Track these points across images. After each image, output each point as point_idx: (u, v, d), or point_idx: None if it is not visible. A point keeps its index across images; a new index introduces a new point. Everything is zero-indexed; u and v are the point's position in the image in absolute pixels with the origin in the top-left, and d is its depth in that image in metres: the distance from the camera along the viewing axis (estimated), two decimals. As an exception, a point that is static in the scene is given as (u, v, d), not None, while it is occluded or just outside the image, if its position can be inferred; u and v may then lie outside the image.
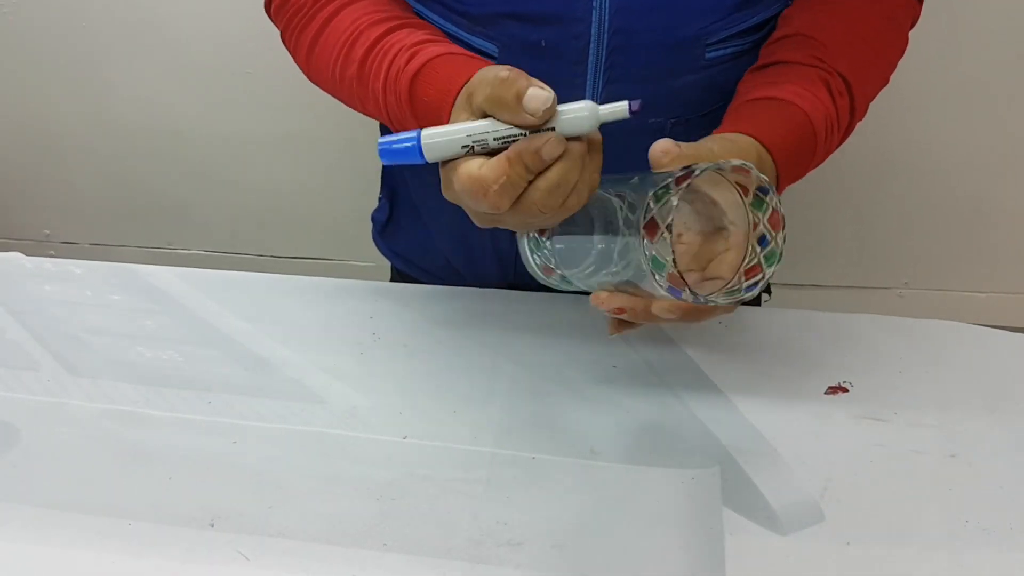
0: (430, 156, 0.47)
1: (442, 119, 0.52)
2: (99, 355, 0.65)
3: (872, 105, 0.64)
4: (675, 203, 0.44)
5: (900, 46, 0.64)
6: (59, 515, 0.52)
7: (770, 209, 0.47)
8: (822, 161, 0.60)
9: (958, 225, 1.60)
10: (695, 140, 0.65)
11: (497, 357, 0.65)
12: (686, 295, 0.45)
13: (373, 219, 0.84)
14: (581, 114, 0.45)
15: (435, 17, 0.63)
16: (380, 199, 0.83)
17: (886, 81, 0.64)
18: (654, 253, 0.44)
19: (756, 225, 0.48)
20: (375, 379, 0.63)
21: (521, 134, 0.46)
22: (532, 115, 0.44)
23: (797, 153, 0.56)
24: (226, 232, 1.74)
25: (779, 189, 0.56)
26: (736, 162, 0.45)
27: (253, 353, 0.66)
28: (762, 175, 0.46)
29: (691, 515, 0.52)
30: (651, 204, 0.44)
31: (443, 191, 0.50)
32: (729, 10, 0.60)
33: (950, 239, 1.61)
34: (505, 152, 0.45)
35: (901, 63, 0.65)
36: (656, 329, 0.67)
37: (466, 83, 0.50)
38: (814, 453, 0.56)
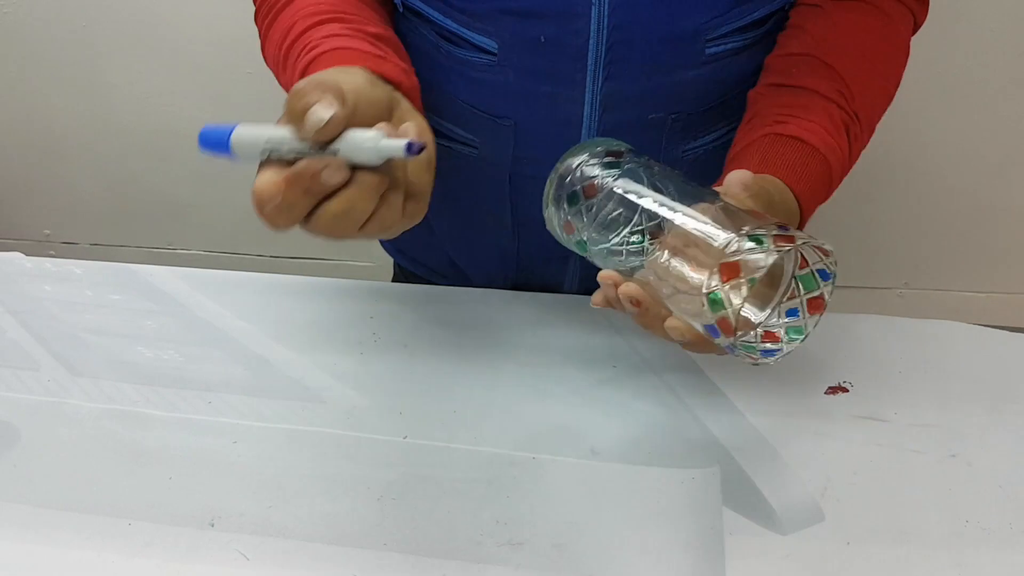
0: (237, 152, 0.44)
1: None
2: (99, 355, 0.65)
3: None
4: (769, 262, 0.42)
5: (903, 64, 0.64)
6: (59, 515, 0.52)
7: (818, 292, 0.47)
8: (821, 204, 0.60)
9: (958, 225, 1.60)
10: (694, 136, 0.66)
11: (497, 357, 0.65)
12: (722, 339, 0.44)
13: None
14: (365, 150, 0.42)
15: (434, 14, 0.63)
16: None
17: (890, 103, 0.64)
18: (719, 293, 0.43)
19: (794, 295, 0.47)
20: (375, 379, 0.63)
21: (310, 152, 0.42)
22: (307, 133, 0.42)
23: (816, 201, 0.57)
24: (226, 232, 1.74)
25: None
26: (827, 245, 0.45)
27: (253, 353, 0.66)
28: (834, 264, 0.46)
29: (691, 515, 0.52)
30: (736, 244, 0.43)
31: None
32: (728, 5, 0.60)
33: (950, 239, 1.62)
34: (289, 170, 0.42)
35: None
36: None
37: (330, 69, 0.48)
38: (814, 453, 0.56)
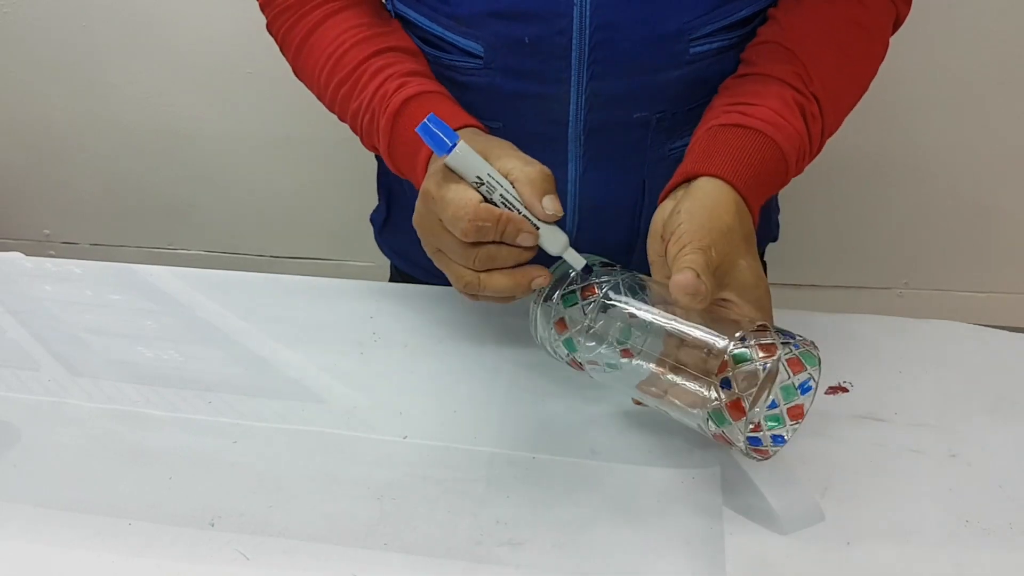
0: (451, 162, 0.52)
1: (419, 151, 0.59)
2: (99, 355, 0.65)
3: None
4: (761, 377, 0.47)
5: (880, 53, 0.64)
6: (59, 515, 0.52)
7: (796, 401, 0.51)
8: (788, 182, 0.61)
9: (958, 225, 1.60)
10: (680, 135, 0.66)
11: (497, 357, 0.65)
12: (719, 440, 0.50)
13: (372, 220, 0.85)
14: (558, 239, 0.54)
15: (422, 19, 0.64)
16: (378, 200, 0.83)
17: (864, 90, 0.64)
18: (720, 409, 0.48)
19: (777, 404, 0.51)
20: (375, 379, 0.63)
21: (519, 211, 0.53)
22: (544, 211, 0.52)
23: (765, 184, 0.57)
24: (226, 232, 1.74)
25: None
26: (815, 353, 0.49)
27: (253, 353, 0.66)
28: (816, 372, 0.50)
29: (691, 515, 0.52)
30: (730, 363, 0.47)
31: (424, 185, 0.54)
32: (712, 5, 0.60)
33: (950, 239, 1.62)
34: (501, 210, 0.52)
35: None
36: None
37: (465, 126, 0.58)
38: (814, 453, 0.56)
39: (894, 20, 0.64)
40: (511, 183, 0.52)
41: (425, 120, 0.51)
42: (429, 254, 0.57)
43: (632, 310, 0.53)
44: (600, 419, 0.59)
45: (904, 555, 0.50)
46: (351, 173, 1.56)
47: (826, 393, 0.61)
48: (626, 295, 0.53)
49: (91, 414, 0.60)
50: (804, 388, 0.50)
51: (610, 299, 0.53)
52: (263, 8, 0.69)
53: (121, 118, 1.62)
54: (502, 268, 0.54)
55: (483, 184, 0.52)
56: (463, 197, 0.51)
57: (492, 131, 0.65)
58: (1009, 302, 1.68)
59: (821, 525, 0.51)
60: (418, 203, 0.56)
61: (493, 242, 0.53)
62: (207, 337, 0.67)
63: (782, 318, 0.55)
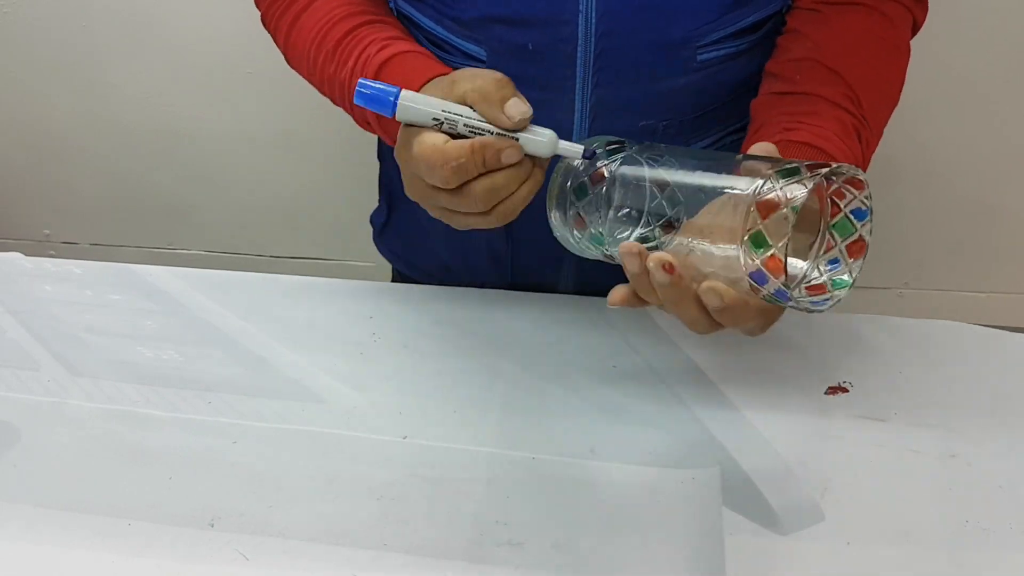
0: (401, 115, 0.49)
1: (418, 75, 0.55)
2: (99, 355, 0.65)
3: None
4: (810, 187, 0.41)
5: (906, 66, 0.63)
6: (59, 515, 0.52)
7: (856, 235, 0.45)
8: None
9: (958, 225, 1.60)
10: (686, 143, 0.65)
11: (497, 357, 0.65)
12: (771, 284, 0.42)
13: (372, 221, 0.84)
14: (543, 138, 0.49)
15: (425, 20, 0.63)
16: (379, 201, 0.83)
17: (896, 104, 0.63)
18: (761, 229, 0.41)
19: (831, 246, 0.45)
20: (375, 379, 0.63)
21: (489, 132, 0.49)
22: (510, 119, 0.48)
23: None
24: (226, 232, 1.74)
25: None
26: (861, 175, 0.43)
27: (253, 353, 0.66)
28: (868, 199, 0.44)
29: (691, 515, 0.52)
30: (773, 180, 0.42)
31: (395, 151, 0.52)
32: (719, 12, 0.59)
33: (950, 239, 1.62)
34: (469, 141, 0.48)
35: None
36: (656, 329, 0.67)
37: (433, 77, 0.54)
38: (814, 453, 0.56)
39: (912, 26, 0.64)
40: (470, 106, 0.49)
41: (357, 87, 0.49)
42: (440, 217, 0.54)
43: (650, 176, 0.47)
44: (600, 419, 0.59)
45: (904, 555, 0.49)
46: (351, 173, 1.56)
47: (826, 393, 0.61)
48: (644, 165, 0.48)
49: (91, 414, 0.60)
50: (860, 215, 0.45)
51: (622, 174, 0.48)
52: (257, 3, 0.68)
53: (121, 118, 1.62)
54: (512, 196, 0.50)
55: (443, 123, 0.49)
56: (427, 145, 0.48)
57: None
58: (1009, 302, 1.68)
59: (821, 525, 0.51)
60: (402, 175, 0.53)
61: (484, 175, 0.49)
62: (207, 337, 0.67)
63: (783, 317, 0.55)
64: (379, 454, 0.56)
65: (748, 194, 0.42)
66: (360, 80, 0.49)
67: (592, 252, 0.52)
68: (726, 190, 0.44)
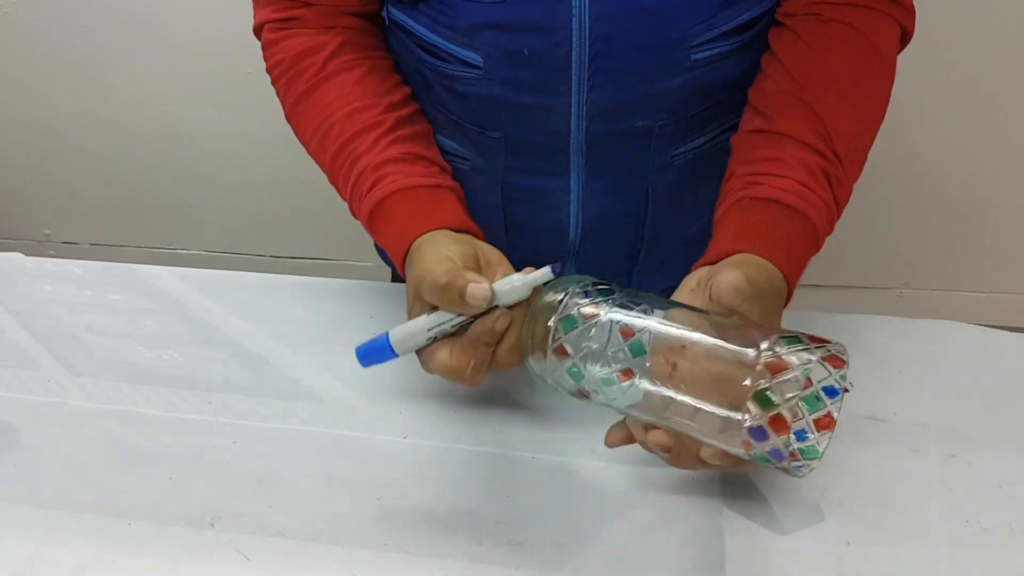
0: (400, 349, 0.53)
1: (397, 256, 0.58)
2: (99, 355, 0.65)
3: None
4: (816, 357, 0.44)
5: (891, 81, 0.62)
6: (59, 515, 0.52)
7: (825, 411, 0.47)
8: (819, 250, 0.60)
9: (958, 225, 1.60)
10: (683, 142, 0.65)
11: (497, 357, 0.65)
12: (769, 443, 0.44)
13: None
14: (516, 289, 0.52)
15: (420, 28, 0.63)
16: None
17: (880, 123, 0.62)
18: (767, 389, 0.44)
19: (799, 417, 0.46)
20: (375, 379, 0.63)
21: (472, 318, 0.52)
22: (478, 308, 0.51)
23: (801, 261, 0.57)
24: (226, 232, 1.74)
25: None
26: (844, 355, 0.46)
27: (253, 353, 0.66)
28: (842, 378, 0.47)
29: (691, 515, 0.52)
30: (780, 346, 0.44)
31: (422, 367, 0.55)
32: (712, 11, 0.59)
33: (950, 239, 1.62)
34: (466, 339, 0.52)
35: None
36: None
37: (416, 239, 0.57)
38: (814, 453, 0.56)
39: (900, 37, 0.63)
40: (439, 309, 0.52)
41: (356, 355, 0.54)
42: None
43: (642, 324, 0.48)
44: (600, 419, 0.59)
45: (904, 555, 0.50)
46: (351, 173, 1.56)
47: (826, 393, 0.61)
48: (632, 313, 0.49)
49: (91, 414, 0.60)
50: (831, 392, 0.47)
51: (617, 317, 0.49)
52: (263, 48, 0.69)
53: (121, 118, 1.62)
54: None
55: (434, 338, 0.53)
56: (439, 364, 0.52)
57: (493, 141, 0.65)
58: (1009, 302, 1.68)
59: (821, 525, 0.51)
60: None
61: (496, 344, 0.53)
62: (207, 337, 0.67)
63: (784, 315, 0.55)
64: (379, 454, 0.56)
65: (752, 354, 0.45)
66: (356, 350, 0.54)
67: (567, 384, 0.51)
68: (724, 347, 0.46)
